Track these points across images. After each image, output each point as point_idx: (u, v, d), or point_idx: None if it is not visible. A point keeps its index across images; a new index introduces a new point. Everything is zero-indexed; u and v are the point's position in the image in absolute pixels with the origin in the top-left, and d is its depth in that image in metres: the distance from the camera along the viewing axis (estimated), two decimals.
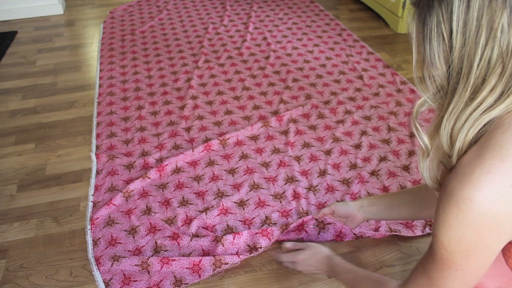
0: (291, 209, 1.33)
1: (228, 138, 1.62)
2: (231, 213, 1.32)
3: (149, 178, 1.45)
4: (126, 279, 1.14)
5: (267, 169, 1.49)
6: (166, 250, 1.22)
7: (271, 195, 1.38)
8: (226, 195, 1.38)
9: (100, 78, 2.11)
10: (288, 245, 1.08)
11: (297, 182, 1.42)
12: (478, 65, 0.53)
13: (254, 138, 1.64)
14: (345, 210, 1.10)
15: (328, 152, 1.55)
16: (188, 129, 1.70)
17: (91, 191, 1.44)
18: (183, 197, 1.39)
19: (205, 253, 1.20)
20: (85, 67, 2.25)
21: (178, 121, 1.76)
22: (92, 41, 2.54)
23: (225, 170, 1.49)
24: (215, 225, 1.29)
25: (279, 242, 1.20)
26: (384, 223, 1.25)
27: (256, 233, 1.22)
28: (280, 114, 1.76)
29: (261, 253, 1.19)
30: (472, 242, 0.56)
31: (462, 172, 0.56)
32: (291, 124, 1.70)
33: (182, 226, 1.29)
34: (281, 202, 1.36)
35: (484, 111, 0.55)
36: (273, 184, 1.42)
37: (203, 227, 1.28)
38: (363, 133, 1.64)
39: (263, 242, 1.20)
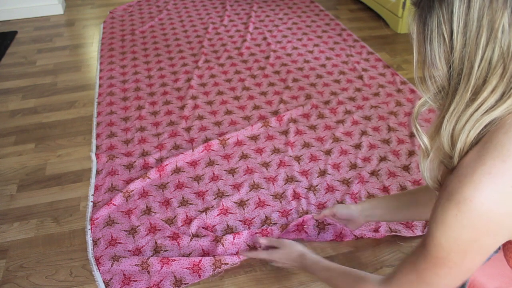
0: (291, 209, 1.33)
1: (228, 138, 1.62)
2: (231, 213, 1.32)
3: (149, 178, 1.45)
4: (126, 279, 1.14)
5: (267, 169, 1.49)
6: (166, 250, 1.22)
7: (271, 195, 1.38)
8: (226, 195, 1.38)
9: (100, 78, 2.11)
10: (262, 240, 1.11)
11: (297, 182, 1.42)
12: (479, 66, 0.53)
13: (254, 138, 1.64)
14: (347, 213, 1.10)
15: (328, 152, 1.55)
16: (188, 129, 1.70)
17: (91, 191, 1.44)
18: (183, 197, 1.39)
19: (205, 253, 1.20)
20: (85, 67, 2.25)
21: (178, 121, 1.76)
22: (92, 41, 2.54)
23: (225, 170, 1.49)
24: (215, 225, 1.29)
25: None
26: (384, 223, 1.25)
27: (256, 233, 1.23)
28: (280, 114, 1.76)
29: None
30: (470, 241, 0.56)
31: (463, 172, 0.56)
32: (291, 124, 1.70)
33: (182, 226, 1.29)
34: (281, 202, 1.36)
35: (485, 111, 0.55)
36: (273, 184, 1.42)
37: (203, 227, 1.28)
38: (363, 133, 1.64)
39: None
